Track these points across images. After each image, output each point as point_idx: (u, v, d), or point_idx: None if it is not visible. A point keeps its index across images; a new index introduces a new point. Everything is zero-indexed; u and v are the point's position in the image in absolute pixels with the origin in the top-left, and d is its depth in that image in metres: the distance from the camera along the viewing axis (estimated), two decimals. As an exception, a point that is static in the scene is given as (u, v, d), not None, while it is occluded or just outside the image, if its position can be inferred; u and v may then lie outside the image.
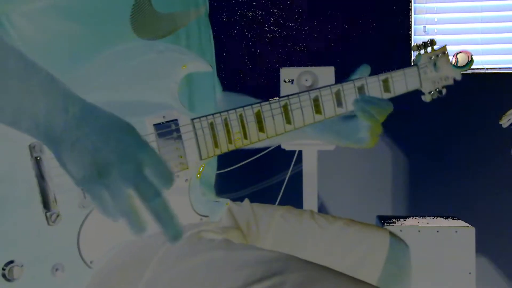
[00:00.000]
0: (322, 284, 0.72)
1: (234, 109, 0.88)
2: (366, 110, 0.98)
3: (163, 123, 0.83)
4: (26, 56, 0.74)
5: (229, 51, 2.74)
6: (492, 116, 1.99)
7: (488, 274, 2.56)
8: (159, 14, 0.89)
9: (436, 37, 2.67)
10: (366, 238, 1.08)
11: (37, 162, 0.76)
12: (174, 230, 0.68)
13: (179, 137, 0.84)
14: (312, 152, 2.35)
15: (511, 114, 1.80)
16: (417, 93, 1.10)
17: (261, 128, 0.90)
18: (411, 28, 2.65)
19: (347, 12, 2.69)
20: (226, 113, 0.87)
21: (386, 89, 1.02)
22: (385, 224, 2.15)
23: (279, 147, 2.35)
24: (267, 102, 0.91)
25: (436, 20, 2.66)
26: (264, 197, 2.66)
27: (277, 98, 0.92)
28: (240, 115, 0.89)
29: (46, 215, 0.76)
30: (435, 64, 1.07)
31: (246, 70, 2.76)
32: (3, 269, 0.73)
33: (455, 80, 1.11)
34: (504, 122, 1.81)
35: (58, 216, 0.77)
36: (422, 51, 1.08)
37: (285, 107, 0.92)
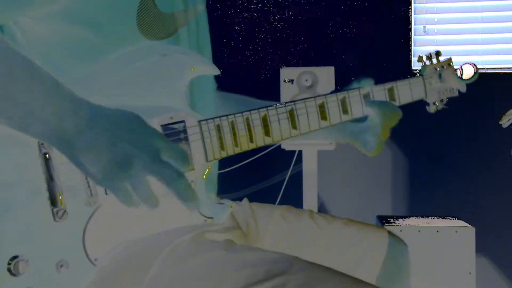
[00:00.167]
0: (324, 285, 0.73)
1: (241, 112, 0.89)
2: (379, 107, 0.98)
3: (170, 124, 0.84)
4: (32, 62, 0.75)
5: (229, 51, 2.74)
6: (492, 116, 1.99)
7: (488, 274, 2.56)
8: (164, 14, 0.90)
9: (436, 37, 2.66)
10: (365, 237, 1.08)
11: (46, 159, 0.78)
12: (197, 205, 0.75)
13: (186, 139, 0.85)
14: (312, 152, 2.35)
15: (511, 114, 1.80)
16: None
17: (267, 132, 0.91)
18: (411, 28, 2.65)
19: (347, 12, 2.69)
20: (233, 116, 0.88)
21: (391, 97, 1.03)
22: (385, 224, 2.15)
23: (279, 147, 2.35)
24: (273, 107, 0.92)
25: (436, 20, 2.66)
26: (264, 197, 2.65)
27: (283, 103, 0.93)
28: (247, 119, 0.89)
29: (52, 211, 0.77)
30: (440, 76, 1.08)
31: (246, 70, 2.76)
32: (9, 264, 0.74)
33: (459, 92, 1.12)
34: (504, 122, 1.81)
35: (64, 212, 0.78)
36: (428, 62, 1.08)
37: (291, 112, 0.93)
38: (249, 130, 0.89)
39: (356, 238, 1.08)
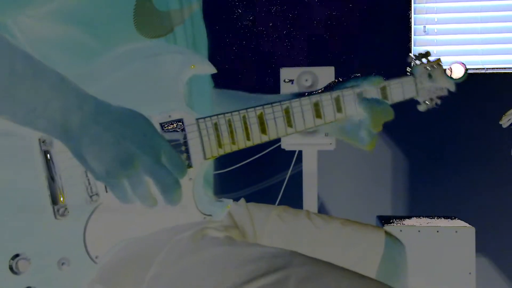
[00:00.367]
0: (326, 278, 0.73)
1: (238, 110, 0.90)
2: (369, 104, 0.99)
3: (169, 122, 0.84)
4: (34, 57, 0.75)
5: (229, 50, 2.74)
6: (492, 116, 1.99)
7: (488, 274, 2.56)
8: (160, 12, 0.91)
9: (436, 37, 2.66)
10: (362, 237, 1.08)
11: (46, 156, 0.78)
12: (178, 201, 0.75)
13: (184, 137, 0.85)
14: (312, 152, 2.35)
15: (511, 114, 1.80)
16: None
17: (263, 130, 0.92)
18: (411, 28, 2.65)
19: (347, 12, 2.69)
20: (230, 114, 0.89)
21: (384, 96, 1.04)
22: (385, 224, 2.15)
23: (279, 147, 2.35)
24: (270, 105, 0.93)
25: (436, 20, 2.66)
26: (264, 197, 2.66)
27: (279, 101, 0.94)
28: (244, 117, 0.90)
29: (53, 209, 0.78)
30: (430, 75, 1.09)
31: (246, 70, 2.76)
32: (10, 262, 0.75)
33: (449, 91, 1.13)
34: (504, 122, 1.81)
35: (65, 210, 0.78)
36: (418, 62, 1.10)
37: (286, 110, 0.94)
38: (246, 128, 0.90)
39: (354, 238, 1.08)
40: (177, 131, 0.85)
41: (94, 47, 0.85)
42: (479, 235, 2.09)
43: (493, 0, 2.62)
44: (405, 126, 2.54)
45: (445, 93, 1.13)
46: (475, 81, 2.56)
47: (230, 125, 0.89)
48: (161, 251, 0.82)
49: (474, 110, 2.57)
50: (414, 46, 2.64)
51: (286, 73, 2.30)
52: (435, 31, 2.66)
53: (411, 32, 2.65)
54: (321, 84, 2.24)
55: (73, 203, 0.79)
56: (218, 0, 2.72)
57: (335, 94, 0.99)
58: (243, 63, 2.77)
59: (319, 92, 0.99)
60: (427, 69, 1.10)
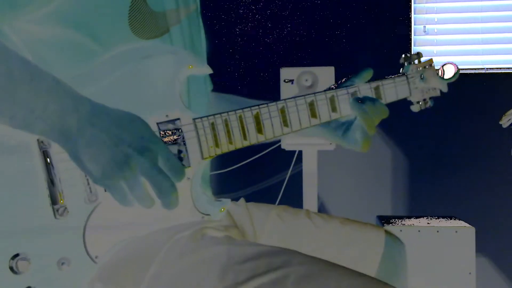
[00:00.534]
0: (326, 277, 0.74)
1: (234, 110, 0.91)
2: (362, 107, 0.99)
3: (166, 121, 0.85)
4: (30, 61, 0.75)
5: (229, 50, 2.74)
6: (492, 116, 1.99)
7: (488, 274, 2.56)
8: (155, 13, 0.91)
9: (436, 37, 2.66)
10: (362, 236, 1.08)
11: (45, 156, 0.78)
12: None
13: (182, 136, 0.86)
14: (312, 152, 2.35)
15: (511, 114, 1.80)
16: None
17: (259, 130, 0.93)
18: (411, 28, 2.65)
19: (347, 12, 2.69)
20: (226, 114, 0.90)
21: (378, 96, 1.05)
22: (385, 224, 2.15)
23: (279, 147, 2.35)
24: (265, 105, 0.94)
25: (436, 20, 2.66)
26: (264, 197, 2.66)
27: (275, 101, 0.95)
28: (240, 117, 0.91)
29: (53, 209, 0.78)
30: (421, 76, 1.10)
31: (246, 70, 2.76)
32: (10, 262, 0.75)
33: (441, 92, 1.14)
34: (504, 122, 1.81)
35: (65, 210, 0.79)
36: (410, 63, 1.11)
37: (282, 110, 0.95)
38: (242, 128, 0.91)
39: (353, 237, 1.09)
40: (174, 130, 0.85)
41: (91, 48, 0.85)
42: (479, 235, 2.09)
43: (493, 0, 2.62)
44: (405, 126, 2.54)
45: (437, 93, 1.14)
46: (475, 81, 2.56)
47: (226, 125, 0.89)
48: (161, 251, 0.82)
49: (474, 110, 2.57)
50: (414, 46, 2.64)
51: (286, 73, 2.29)
52: (435, 31, 2.66)
53: (411, 32, 2.65)
54: (321, 84, 2.24)
55: (73, 203, 0.80)
56: (216, 0, 2.72)
57: (329, 94, 1.00)
58: (242, 63, 2.77)
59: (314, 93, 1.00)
60: (419, 70, 1.10)
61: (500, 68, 2.59)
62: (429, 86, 1.12)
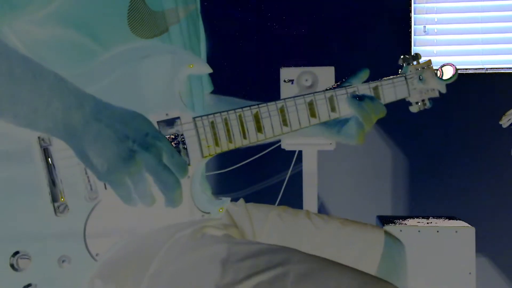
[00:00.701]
0: (325, 275, 0.74)
1: (234, 109, 0.91)
2: (360, 104, 1.00)
3: (166, 120, 0.85)
4: (32, 60, 0.75)
5: (228, 50, 2.74)
6: (492, 116, 1.99)
7: (488, 274, 2.56)
8: (154, 12, 0.91)
9: (436, 37, 2.66)
10: (362, 237, 1.09)
11: (46, 154, 0.79)
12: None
13: (182, 135, 0.86)
14: (312, 152, 2.35)
15: (511, 114, 1.80)
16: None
17: (259, 129, 0.93)
18: (411, 28, 2.65)
19: (347, 12, 2.69)
20: (226, 113, 0.90)
21: (377, 96, 1.06)
22: (385, 224, 2.15)
23: (279, 147, 2.35)
24: (265, 104, 0.94)
25: (436, 20, 2.66)
26: (264, 197, 2.66)
27: (274, 101, 0.96)
28: (240, 116, 0.91)
29: (54, 206, 0.79)
30: (420, 77, 1.10)
31: (246, 70, 2.76)
32: (11, 260, 0.75)
33: (440, 93, 1.14)
34: (504, 122, 1.81)
35: (66, 207, 0.79)
36: (408, 64, 1.11)
37: (281, 109, 0.95)
38: (242, 127, 0.91)
39: (353, 238, 1.09)
40: (174, 129, 0.85)
41: (91, 48, 0.85)
42: (479, 235, 2.09)
43: (493, 0, 2.62)
44: (405, 126, 2.54)
45: (436, 94, 1.15)
46: (475, 81, 2.56)
47: (226, 124, 0.90)
48: (161, 249, 0.83)
49: (474, 110, 2.57)
50: (414, 46, 2.64)
51: (286, 73, 2.29)
52: (435, 31, 2.66)
53: (411, 32, 2.65)
54: (321, 84, 2.24)
55: (73, 201, 0.80)
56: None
57: (328, 93, 1.00)
58: (242, 63, 2.77)
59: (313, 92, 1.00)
60: (417, 70, 1.11)
61: (500, 68, 2.59)
62: (427, 87, 1.13)
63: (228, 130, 0.90)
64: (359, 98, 1.01)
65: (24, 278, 0.76)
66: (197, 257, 0.81)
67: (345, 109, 1.01)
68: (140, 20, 0.88)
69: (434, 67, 1.14)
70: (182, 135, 0.86)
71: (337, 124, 1.06)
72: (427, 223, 2.17)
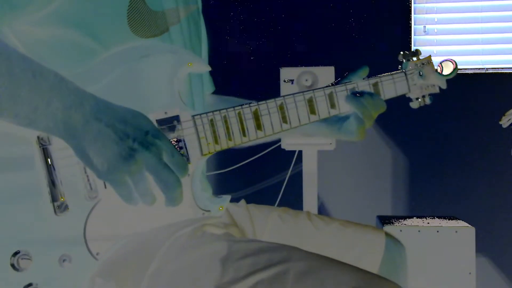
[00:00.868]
0: (325, 272, 0.74)
1: (233, 107, 0.91)
2: (360, 100, 1.00)
3: (165, 118, 0.85)
4: (32, 59, 0.75)
5: (228, 50, 2.74)
6: (492, 116, 1.99)
7: (488, 274, 2.56)
8: (154, 12, 0.91)
9: (436, 37, 2.66)
10: (362, 239, 1.09)
11: (45, 153, 0.79)
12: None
13: (181, 133, 0.86)
14: (312, 152, 2.35)
15: (511, 114, 1.80)
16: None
17: (258, 126, 0.93)
18: (411, 28, 2.65)
19: (347, 12, 2.69)
20: (225, 110, 0.90)
21: (377, 92, 1.06)
22: (385, 224, 2.15)
23: (279, 147, 2.35)
24: (264, 102, 0.94)
25: (436, 20, 2.66)
26: (264, 197, 2.67)
27: (274, 98, 0.96)
28: (239, 113, 0.91)
29: (53, 205, 0.79)
30: (420, 73, 1.10)
31: (246, 70, 2.76)
32: (12, 259, 0.75)
33: (440, 89, 1.14)
34: (504, 122, 1.81)
35: (65, 206, 0.79)
36: (408, 60, 1.11)
37: (281, 106, 0.95)
38: (241, 124, 0.91)
39: (354, 239, 1.09)
40: (173, 127, 0.85)
41: (91, 48, 0.85)
42: (479, 235, 2.09)
43: (493, 0, 2.62)
44: (405, 126, 2.54)
45: (436, 90, 1.15)
46: (475, 81, 2.56)
47: (225, 121, 0.90)
48: (161, 248, 0.83)
49: (474, 110, 2.57)
50: (414, 46, 2.64)
51: (286, 73, 2.30)
52: (435, 31, 2.66)
53: (411, 32, 2.64)
54: (321, 84, 2.24)
55: (73, 200, 0.80)
56: (217, 0, 2.72)
57: (328, 90, 1.00)
58: (243, 62, 2.77)
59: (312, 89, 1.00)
60: (417, 66, 1.11)
61: (500, 68, 2.59)
62: (427, 82, 1.12)
63: (227, 128, 0.90)
64: (358, 95, 1.01)
65: (25, 278, 0.76)
66: (198, 255, 0.81)
67: (344, 105, 1.01)
68: (140, 19, 0.88)
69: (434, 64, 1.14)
70: (181, 133, 0.86)
71: (338, 122, 1.06)
72: (427, 223, 2.17)
